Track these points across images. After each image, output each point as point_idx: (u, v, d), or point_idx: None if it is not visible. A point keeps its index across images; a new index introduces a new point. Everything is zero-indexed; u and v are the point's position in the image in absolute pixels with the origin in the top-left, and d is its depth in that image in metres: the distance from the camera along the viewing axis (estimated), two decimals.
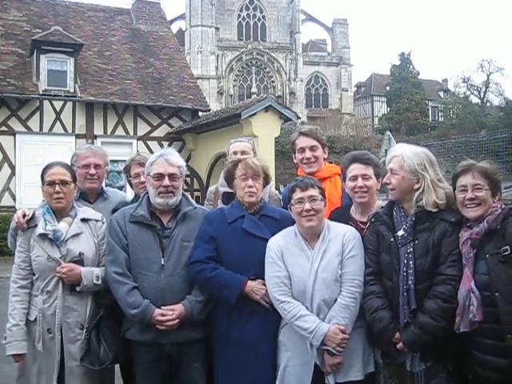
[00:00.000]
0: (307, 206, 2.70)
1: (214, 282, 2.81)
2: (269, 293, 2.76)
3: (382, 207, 2.81)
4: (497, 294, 2.36)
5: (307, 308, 2.68)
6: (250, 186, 2.89)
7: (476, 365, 2.43)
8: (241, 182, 2.93)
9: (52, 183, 2.94)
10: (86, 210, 3.11)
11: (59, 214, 2.98)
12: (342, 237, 2.75)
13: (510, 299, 2.33)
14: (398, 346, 2.55)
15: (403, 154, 2.69)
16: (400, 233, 2.62)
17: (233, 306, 2.80)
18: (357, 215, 3.00)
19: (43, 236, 2.89)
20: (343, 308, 2.65)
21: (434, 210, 2.59)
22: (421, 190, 2.64)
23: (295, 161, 3.56)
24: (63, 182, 2.96)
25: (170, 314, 2.79)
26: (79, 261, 2.91)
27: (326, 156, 3.51)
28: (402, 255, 2.58)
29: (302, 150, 3.44)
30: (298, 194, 2.73)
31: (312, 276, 2.68)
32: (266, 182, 3.02)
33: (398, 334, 2.55)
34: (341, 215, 3.02)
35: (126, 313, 2.84)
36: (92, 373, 2.89)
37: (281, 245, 2.77)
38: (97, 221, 3.07)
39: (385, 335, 2.59)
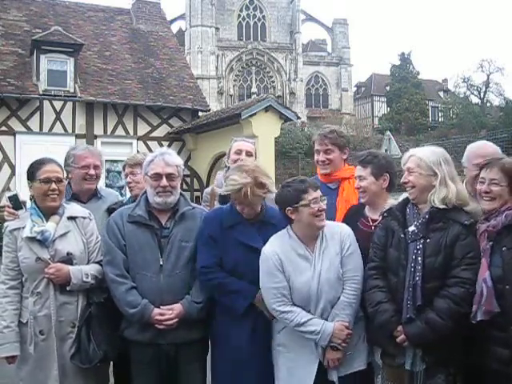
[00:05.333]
0: (323, 205, 2.71)
1: (226, 288, 2.81)
2: (267, 303, 2.74)
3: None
4: (507, 286, 2.38)
5: (310, 311, 2.69)
6: (247, 211, 2.85)
7: (484, 356, 2.45)
8: (237, 204, 2.87)
9: (48, 180, 2.88)
10: (72, 207, 3.05)
11: (47, 212, 2.92)
12: (339, 235, 2.76)
13: None
14: (399, 338, 2.55)
15: (419, 152, 2.72)
16: (411, 228, 2.63)
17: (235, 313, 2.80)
18: (369, 212, 3.04)
19: (31, 238, 2.84)
20: (346, 305, 2.68)
21: (442, 207, 2.58)
22: (436, 187, 2.64)
23: (315, 160, 3.63)
24: (58, 180, 2.91)
25: (168, 313, 2.78)
26: (67, 260, 2.87)
27: (345, 157, 3.51)
28: (411, 251, 2.58)
29: (318, 152, 3.51)
30: (312, 195, 2.70)
31: (316, 279, 2.69)
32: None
33: (400, 327, 2.55)
34: (355, 212, 3.09)
35: (124, 312, 2.83)
36: (85, 371, 2.86)
37: (278, 253, 2.73)
38: (84, 218, 3.02)
39: (386, 328, 2.60)
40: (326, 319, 2.68)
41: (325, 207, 2.72)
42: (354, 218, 3.02)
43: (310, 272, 2.70)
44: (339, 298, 2.71)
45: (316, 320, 2.66)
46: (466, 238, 2.53)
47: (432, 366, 2.53)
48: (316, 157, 3.54)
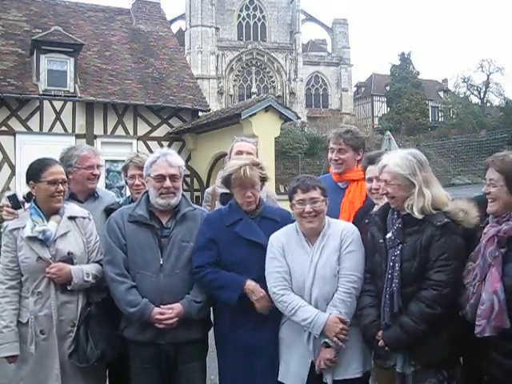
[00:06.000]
0: (308, 208, 2.71)
1: (216, 283, 2.82)
2: (268, 288, 2.77)
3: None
4: None
5: (306, 301, 2.71)
6: (249, 196, 2.89)
7: (493, 366, 2.38)
8: (238, 191, 2.91)
9: (55, 182, 2.88)
10: (72, 207, 3.06)
11: (48, 212, 2.92)
12: (341, 233, 2.77)
13: None
14: (379, 343, 2.56)
15: (392, 162, 2.61)
16: (388, 235, 2.60)
17: (234, 308, 2.80)
18: None
19: (32, 237, 2.84)
20: (339, 302, 2.67)
21: (420, 217, 2.51)
22: (414, 197, 2.56)
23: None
24: (64, 181, 2.93)
25: (168, 312, 2.78)
26: (68, 260, 2.88)
27: (358, 158, 3.49)
28: (390, 258, 2.56)
29: (332, 150, 3.53)
30: (299, 196, 2.74)
31: (311, 272, 2.70)
32: (264, 182, 3.00)
33: (380, 332, 2.56)
34: (363, 214, 3.08)
35: (124, 311, 2.83)
36: (84, 370, 2.86)
37: (282, 241, 2.80)
38: (83, 218, 3.02)
39: (368, 332, 2.63)
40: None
41: (311, 210, 2.70)
42: (362, 220, 2.99)
43: (307, 265, 2.72)
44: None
45: (311, 308, 2.67)
46: (440, 239, 2.45)
47: (423, 369, 2.50)
48: (329, 155, 3.55)
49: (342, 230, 2.78)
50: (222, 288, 2.82)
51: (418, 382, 2.50)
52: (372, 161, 3.03)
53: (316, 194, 2.73)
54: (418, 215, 2.52)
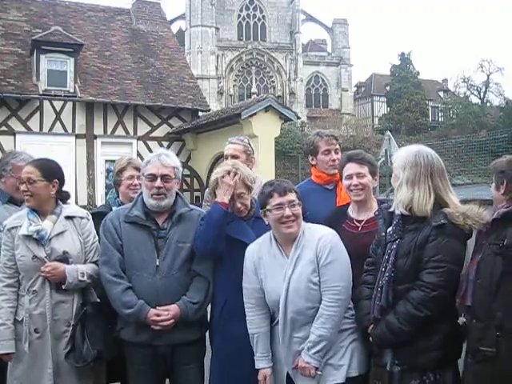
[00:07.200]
0: (287, 211, 2.59)
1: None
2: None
3: None
4: (478, 280, 2.40)
5: (281, 318, 2.64)
6: (238, 207, 2.90)
7: (466, 370, 2.45)
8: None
9: (21, 181, 2.95)
10: (70, 207, 3.07)
11: (43, 212, 2.95)
12: (317, 242, 2.61)
13: (486, 289, 2.37)
14: (370, 338, 2.57)
15: (398, 152, 2.69)
16: (389, 229, 2.60)
17: (225, 302, 2.83)
18: (353, 213, 3.02)
19: (28, 236, 2.86)
20: (326, 319, 2.56)
21: (398, 212, 2.54)
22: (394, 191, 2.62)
23: (313, 162, 3.59)
24: (29, 181, 2.91)
25: (164, 314, 2.77)
26: (63, 259, 2.88)
27: None
28: (386, 251, 2.55)
29: (327, 152, 3.50)
30: (276, 200, 2.61)
31: (285, 286, 2.61)
32: (250, 189, 2.97)
33: (371, 327, 2.56)
34: (339, 214, 3.06)
35: (120, 313, 2.83)
36: (80, 370, 2.86)
37: (256, 254, 2.73)
38: (81, 218, 3.03)
39: (361, 324, 2.63)
40: (294, 327, 2.62)
41: (290, 214, 2.59)
42: (339, 220, 2.98)
43: (280, 279, 2.63)
44: (312, 307, 2.59)
45: (261, 345, 2.68)
46: (434, 240, 2.42)
47: (406, 371, 2.46)
48: (325, 158, 3.48)
49: (318, 239, 2.61)
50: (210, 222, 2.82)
51: (403, 382, 2.47)
52: (351, 159, 3.03)
53: (293, 196, 2.63)
54: (398, 210, 2.54)
